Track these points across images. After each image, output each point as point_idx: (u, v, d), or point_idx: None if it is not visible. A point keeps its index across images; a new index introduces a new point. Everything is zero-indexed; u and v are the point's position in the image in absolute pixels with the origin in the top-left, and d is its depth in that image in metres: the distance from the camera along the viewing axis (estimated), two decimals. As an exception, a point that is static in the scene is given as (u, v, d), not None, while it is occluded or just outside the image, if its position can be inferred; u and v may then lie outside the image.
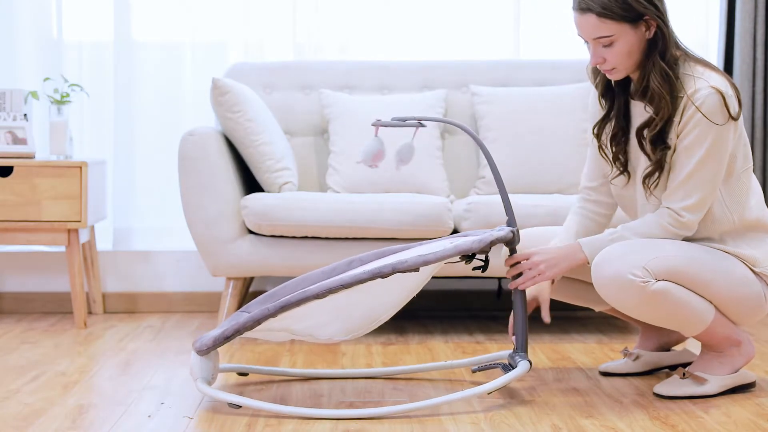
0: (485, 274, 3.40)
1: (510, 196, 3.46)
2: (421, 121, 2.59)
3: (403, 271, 2.35)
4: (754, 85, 3.99)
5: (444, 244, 2.54)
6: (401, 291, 2.45)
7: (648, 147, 2.50)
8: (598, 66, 2.52)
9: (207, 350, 2.46)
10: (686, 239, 2.55)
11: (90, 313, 3.91)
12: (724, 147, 2.45)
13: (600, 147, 2.63)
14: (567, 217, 2.76)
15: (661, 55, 2.47)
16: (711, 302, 2.51)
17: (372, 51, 4.15)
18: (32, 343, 3.30)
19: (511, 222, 2.55)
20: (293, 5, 4.11)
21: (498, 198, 3.41)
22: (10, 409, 2.44)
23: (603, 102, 2.62)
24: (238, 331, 2.42)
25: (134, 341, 3.35)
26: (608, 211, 2.73)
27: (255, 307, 2.68)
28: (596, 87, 2.63)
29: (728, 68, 4.03)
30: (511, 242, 2.52)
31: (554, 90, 3.83)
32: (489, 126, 3.78)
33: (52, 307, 3.97)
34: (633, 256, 2.43)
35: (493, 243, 2.45)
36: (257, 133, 3.47)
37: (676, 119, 2.46)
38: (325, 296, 2.35)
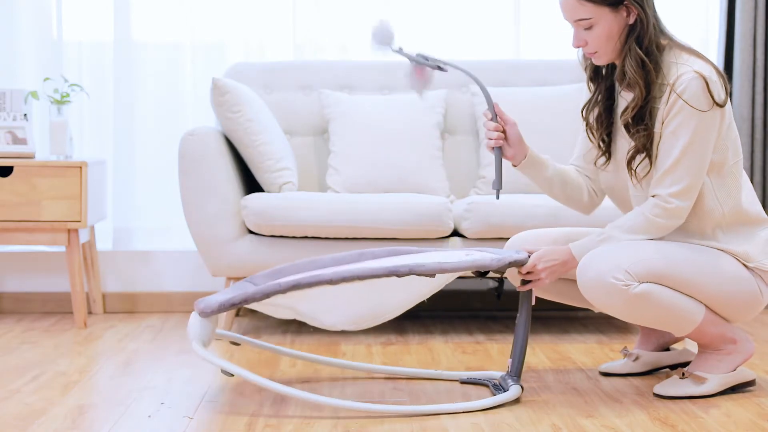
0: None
1: (510, 196, 3.48)
2: (441, 66, 2.63)
3: (419, 275, 2.36)
4: (754, 85, 3.99)
5: (459, 255, 2.56)
6: (411, 293, 2.45)
7: (626, 130, 2.52)
8: (581, 49, 2.56)
9: (211, 313, 2.44)
10: (676, 237, 2.55)
11: (90, 313, 3.91)
12: (709, 133, 2.46)
13: (588, 129, 2.66)
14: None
15: (639, 41, 2.49)
16: (701, 302, 2.51)
17: (372, 51, 4.14)
18: (32, 343, 3.30)
19: (496, 184, 2.58)
20: (293, 5, 4.11)
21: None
22: (10, 409, 2.44)
23: (591, 86, 2.66)
24: (245, 300, 2.40)
25: (134, 341, 3.35)
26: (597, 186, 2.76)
27: (260, 279, 2.66)
28: (585, 70, 2.66)
29: (728, 68, 4.03)
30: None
31: (554, 90, 3.83)
32: (489, 126, 3.78)
33: (52, 307, 3.97)
34: (615, 259, 2.43)
35: (510, 265, 2.48)
36: (257, 133, 3.47)
37: (661, 106, 2.47)
38: (338, 283, 2.36)
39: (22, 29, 4.03)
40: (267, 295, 2.39)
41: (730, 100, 3.94)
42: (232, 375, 2.44)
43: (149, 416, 2.39)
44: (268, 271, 2.69)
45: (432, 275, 2.38)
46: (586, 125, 2.67)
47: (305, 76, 3.95)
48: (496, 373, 2.69)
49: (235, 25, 4.10)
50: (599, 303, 2.49)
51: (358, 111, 3.77)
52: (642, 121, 2.50)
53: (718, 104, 2.45)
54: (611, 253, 2.45)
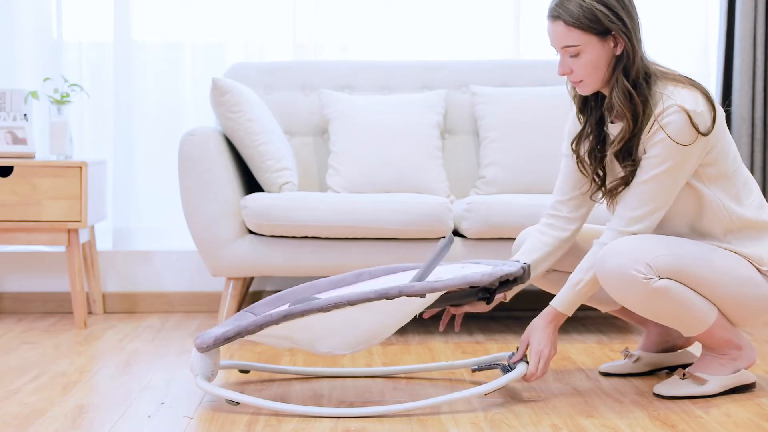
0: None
1: (510, 196, 3.48)
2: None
3: (409, 296, 2.38)
4: (754, 85, 3.99)
5: (455, 270, 2.57)
6: (404, 313, 2.46)
7: (617, 160, 2.52)
8: (566, 77, 2.54)
9: (207, 348, 2.47)
10: (694, 238, 2.56)
11: (90, 313, 3.91)
12: (687, 163, 2.46)
13: (579, 162, 2.63)
14: (531, 236, 2.71)
15: (625, 73, 2.48)
16: (714, 304, 2.51)
17: (372, 51, 4.15)
18: (32, 343, 3.30)
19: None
20: (293, 5, 4.11)
21: (498, 198, 3.41)
22: (10, 409, 2.44)
23: (581, 118, 2.63)
24: (239, 333, 2.43)
25: (134, 341, 3.35)
26: (574, 226, 2.68)
27: (261, 308, 2.69)
28: (574, 101, 2.64)
29: (728, 68, 4.03)
30: (521, 278, 2.52)
31: (554, 90, 3.83)
32: (489, 126, 3.78)
33: (52, 307, 3.97)
34: (638, 251, 2.43)
35: (501, 278, 2.47)
36: (257, 133, 3.47)
37: (644, 135, 2.47)
38: (329, 310, 2.37)
39: (22, 29, 4.03)
40: (260, 326, 2.41)
41: (730, 101, 3.96)
42: (238, 403, 2.44)
43: (149, 416, 2.39)
44: (268, 298, 2.71)
45: (423, 295, 2.40)
46: (577, 158, 2.63)
47: (305, 76, 3.95)
48: (504, 354, 2.70)
49: (235, 25, 4.10)
50: (616, 293, 2.48)
51: (358, 111, 3.77)
52: (630, 155, 2.50)
53: (702, 134, 2.45)
54: (633, 245, 2.45)
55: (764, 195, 3.95)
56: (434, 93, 3.86)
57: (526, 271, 2.52)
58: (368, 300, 2.36)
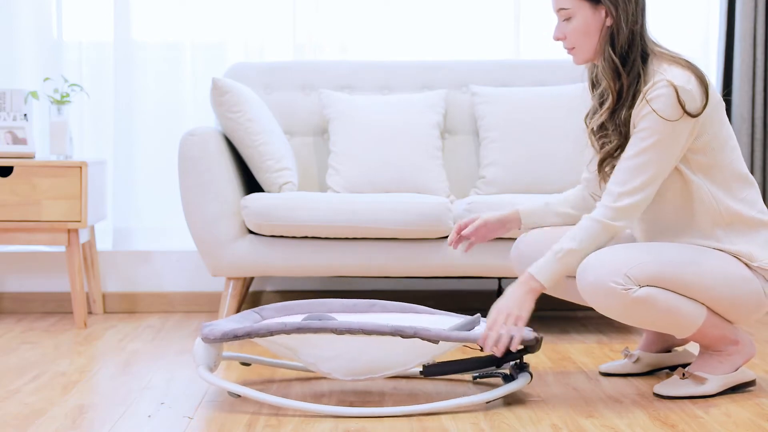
0: (485, 274, 3.41)
1: (510, 196, 3.48)
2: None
3: (423, 339, 2.39)
4: (754, 85, 3.99)
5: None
6: (411, 355, 2.46)
7: (602, 130, 2.54)
8: (561, 43, 2.57)
9: (213, 340, 2.48)
10: (679, 237, 2.55)
11: (90, 313, 3.91)
12: (674, 140, 2.45)
13: (591, 135, 2.64)
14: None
15: (612, 45, 2.50)
16: (706, 305, 2.51)
17: (372, 51, 4.15)
18: (32, 343, 3.30)
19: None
20: (293, 5, 4.11)
21: (498, 198, 3.41)
22: (10, 409, 2.44)
23: (593, 92, 2.65)
24: (249, 334, 2.44)
25: (134, 341, 3.35)
26: None
27: (269, 312, 2.71)
28: (589, 75, 2.66)
29: (728, 68, 4.03)
30: (533, 348, 2.52)
31: (554, 90, 3.83)
32: (489, 126, 3.78)
33: (52, 307, 3.97)
34: (615, 262, 2.42)
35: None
36: (257, 133, 3.48)
37: (634, 111, 2.48)
38: (342, 333, 2.39)
39: (22, 29, 4.03)
40: (272, 333, 2.42)
41: (730, 101, 3.96)
42: (239, 396, 2.45)
43: (149, 416, 2.39)
44: (277, 305, 2.73)
45: (436, 342, 2.40)
46: (590, 132, 2.64)
47: (305, 76, 3.95)
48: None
49: (235, 25, 4.10)
50: (599, 306, 2.48)
51: (358, 111, 3.77)
52: (616, 126, 2.51)
53: (690, 114, 2.44)
54: (610, 256, 2.44)
55: (765, 194, 3.95)
56: (434, 93, 3.86)
57: (539, 341, 2.52)
58: (382, 333, 2.38)
